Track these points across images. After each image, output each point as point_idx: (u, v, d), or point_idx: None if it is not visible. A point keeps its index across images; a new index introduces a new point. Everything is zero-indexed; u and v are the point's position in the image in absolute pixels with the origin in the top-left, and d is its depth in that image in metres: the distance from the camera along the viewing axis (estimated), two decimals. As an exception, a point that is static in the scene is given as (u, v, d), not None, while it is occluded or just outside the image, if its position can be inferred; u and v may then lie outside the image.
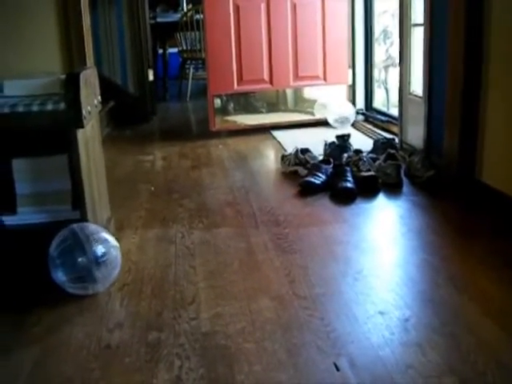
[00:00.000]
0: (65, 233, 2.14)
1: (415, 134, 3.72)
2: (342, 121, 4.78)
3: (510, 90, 2.73)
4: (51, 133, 2.24)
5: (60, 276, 2.11)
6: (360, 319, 1.94)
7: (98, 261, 2.11)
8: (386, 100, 5.16)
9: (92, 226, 2.20)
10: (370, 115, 4.92)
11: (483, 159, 2.96)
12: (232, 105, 5.34)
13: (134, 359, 1.77)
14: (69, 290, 2.14)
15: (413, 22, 3.79)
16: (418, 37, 3.73)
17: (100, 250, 2.13)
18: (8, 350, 1.86)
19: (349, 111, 4.82)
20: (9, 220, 2.37)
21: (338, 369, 1.69)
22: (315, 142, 3.98)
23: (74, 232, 2.14)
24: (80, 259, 2.09)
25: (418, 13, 3.73)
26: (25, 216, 2.37)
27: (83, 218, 2.25)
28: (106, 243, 2.17)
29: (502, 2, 2.75)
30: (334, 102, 4.84)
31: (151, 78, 5.81)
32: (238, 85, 4.78)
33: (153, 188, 3.45)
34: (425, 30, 3.47)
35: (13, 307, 2.13)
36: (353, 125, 4.84)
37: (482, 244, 2.49)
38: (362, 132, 4.65)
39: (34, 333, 1.95)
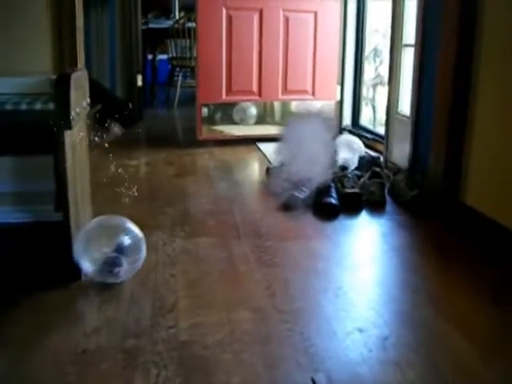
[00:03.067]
0: (91, 224, 2.30)
1: (400, 154, 3.75)
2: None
3: (497, 116, 2.76)
4: (38, 132, 2.22)
5: (87, 266, 2.24)
6: (339, 335, 1.94)
7: (123, 250, 2.27)
8: (373, 118, 5.19)
9: (117, 218, 2.35)
10: (356, 132, 4.94)
11: (467, 182, 2.99)
12: (219, 114, 5.34)
13: (110, 365, 1.76)
14: (97, 279, 2.25)
15: (404, 42, 3.83)
16: (408, 57, 3.76)
17: (126, 240, 2.29)
18: (-18, 350, 1.84)
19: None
20: (-10, 218, 2.34)
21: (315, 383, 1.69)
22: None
23: (100, 223, 2.30)
24: (106, 249, 2.25)
25: (409, 33, 3.76)
26: (6, 215, 2.34)
27: (66, 220, 2.23)
28: (131, 233, 2.31)
29: (494, 28, 2.78)
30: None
31: (140, 83, 5.80)
32: (226, 95, 4.78)
33: (136, 193, 3.43)
34: (415, 50, 3.50)
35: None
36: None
37: (463, 266, 2.50)
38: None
39: (11, 333, 1.93)
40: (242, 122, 5.30)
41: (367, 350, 1.86)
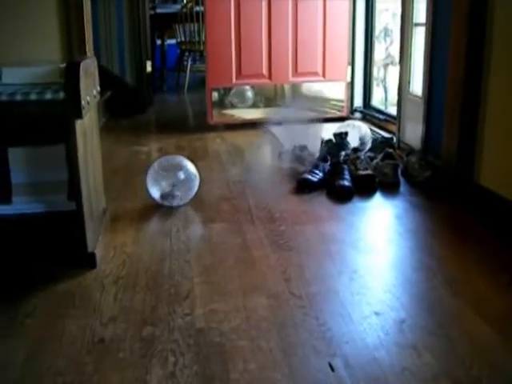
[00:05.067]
0: (156, 163, 3.03)
1: (413, 134, 3.71)
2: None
3: (509, 93, 2.72)
4: (49, 122, 2.21)
5: (155, 192, 2.96)
6: (355, 319, 1.93)
7: (179, 182, 2.95)
8: (385, 98, 5.15)
9: (178, 158, 3.09)
10: (368, 113, 4.91)
11: (481, 161, 2.95)
12: (230, 98, 5.32)
13: (127, 354, 1.76)
14: (159, 202, 2.97)
15: (414, 21, 3.78)
16: (419, 36, 3.72)
17: (181, 174, 2.97)
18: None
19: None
20: (3, 209, 2.35)
21: (332, 369, 1.68)
22: (313, 138, 3.96)
23: (162, 162, 3.04)
24: (165, 182, 2.95)
25: (420, 12, 3.71)
26: (20, 206, 2.35)
27: (79, 209, 2.23)
28: (186, 170, 2.99)
29: (506, 2, 2.73)
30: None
31: (149, 69, 5.78)
32: (236, 79, 4.76)
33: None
34: (426, 29, 3.46)
35: (6, 297, 2.11)
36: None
37: (479, 247, 2.48)
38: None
39: (27, 324, 1.94)
40: (241, 104, 5.30)
41: (384, 334, 1.85)
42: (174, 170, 2.98)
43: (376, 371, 1.67)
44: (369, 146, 3.87)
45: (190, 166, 3.03)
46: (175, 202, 2.96)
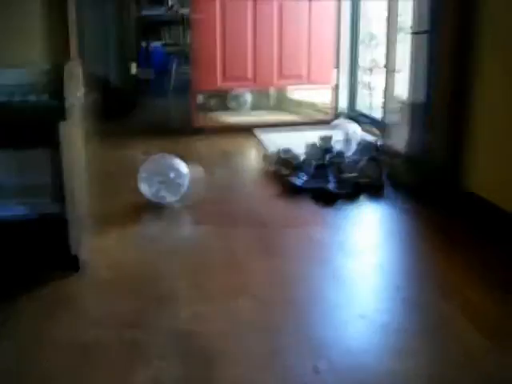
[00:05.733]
0: (149, 162, 3.15)
1: (399, 138, 3.71)
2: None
3: (496, 98, 2.74)
4: (33, 124, 2.19)
5: (145, 189, 3.02)
6: (341, 323, 1.93)
7: (170, 181, 3.01)
8: (370, 102, 5.15)
9: (167, 157, 3.17)
10: (354, 117, 4.91)
11: (468, 165, 2.96)
12: (215, 102, 5.31)
13: (111, 357, 1.75)
14: (152, 200, 3.01)
15: (400, 25, 3.79)
16: (405, 41, 3.72)
17: (172, 174, 3.01)
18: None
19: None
20: (-14, 212, 2.32)
21: (317, 371, 1.68)
22: (298, 142, 3.96)
23: (154, 161, 3.15)
24: (158, 179, 3.01)
25: (405, 17, 3.72)
26: (3, 208, 2.32)
27: (63, 212, 2.21)
28: (177, 171, 3.04)
29: (493, 4, 2.75)
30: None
31: (134, 71, 5.75)
32: (221, 81, 4.75)
33: (132, 183, 3.40)
34: (412, 34, 3.46)
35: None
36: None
37: (466, 251, 2.48)
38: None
39: (15, 327, 1.92)
40: (239, 108, 5.29)
41: (370, 337, 1.85)
42: (165, 169, 3.07)
43: (361, 374, 1.67)
44: (354, 143, 3.88)
45: (180, 165, 3.10)
46: (165, 202, 3.01)
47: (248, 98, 5.33)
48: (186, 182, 3.08)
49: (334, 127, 4.04)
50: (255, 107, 5.35)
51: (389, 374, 1.67)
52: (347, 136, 3.96)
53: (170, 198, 3.02)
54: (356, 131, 4.07)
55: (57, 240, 2.22)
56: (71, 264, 2.26)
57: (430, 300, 2.08)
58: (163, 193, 3.01)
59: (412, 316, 1.98)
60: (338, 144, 3.83)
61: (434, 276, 2.26)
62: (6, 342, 1.83)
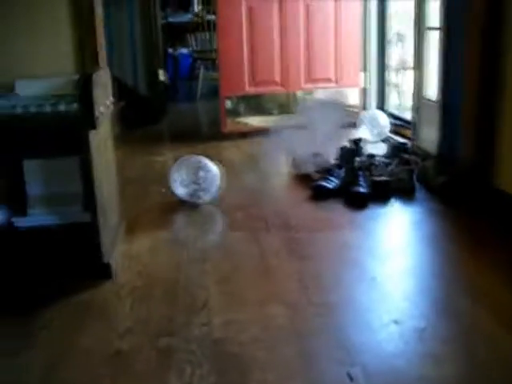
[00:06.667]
0: (178, 163, 3.19)
1: (429, 139, 3.68)
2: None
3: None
4: (63, 134, 2.21)
5: (181, 193, 3.11)
6: (374, 328, 1.91)
7: (200, 181, 3.09)
8: (399, 103, 5.11)
9: (196, 159, 3.21)
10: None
11: (499, 165, 2.91)
12: (243, 106, 5.31)
13: (144, 366, 1.75)
14: (186, 200, 3.09)
15: (428, 25, 3.75)
16: (433, 40, 3.69)
17: (202, 174, 3.09)
18: (16, 353, 1.84)
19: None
20: (19, 221, 2.35)
21: (351, 378, 1.66)
22: (327, 145, 3.93)
23: (184, 162, 3.19)
24: (190, 181, 3.10)
25: (433, 16, 3.68)
26: (35, 218, 2.35)
27: (94, 220, 2.23)
28: (207, 170, 3.13)
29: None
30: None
31: (162, 78, 5.79)
32: (249, 86, 4.75)
33: (164, 190, 3.40)
34: (441, 33, 3.43)
35: (21, 309, 2.11)
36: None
37: (498, 253, 2.44)
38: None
39: (43, 336, 1.93)
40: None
41: (403, 343, 1.82)
42: (195, 169, 3.16)
43: (395, 380, 1.65)
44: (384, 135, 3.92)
45: (211, 165, 3.19)
46: (201, 202, 3.10)
47: (276, 101, 5.32)
48: (217, 180, 3.13)
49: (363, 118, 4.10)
50: (283, 110, 5.33)
51: (423, 379, 1.64)
52: (377, 127, 4.01)
53: (204, 196, 3.09)
54: (386, 121, 4.10)
55: (89, 248, 2.23)
56: (103, 272, 2.27)
57: (460, 304, 2.04)
58: (197, 192, 3.08)
59: (443, 320, 1.95)
60: (367, 146, 3.84)
61: (464, 279, 2.22)
62: (37, 351, 1.84)
